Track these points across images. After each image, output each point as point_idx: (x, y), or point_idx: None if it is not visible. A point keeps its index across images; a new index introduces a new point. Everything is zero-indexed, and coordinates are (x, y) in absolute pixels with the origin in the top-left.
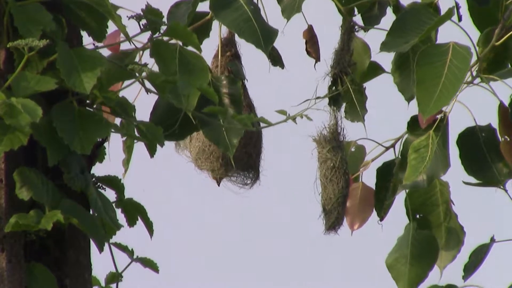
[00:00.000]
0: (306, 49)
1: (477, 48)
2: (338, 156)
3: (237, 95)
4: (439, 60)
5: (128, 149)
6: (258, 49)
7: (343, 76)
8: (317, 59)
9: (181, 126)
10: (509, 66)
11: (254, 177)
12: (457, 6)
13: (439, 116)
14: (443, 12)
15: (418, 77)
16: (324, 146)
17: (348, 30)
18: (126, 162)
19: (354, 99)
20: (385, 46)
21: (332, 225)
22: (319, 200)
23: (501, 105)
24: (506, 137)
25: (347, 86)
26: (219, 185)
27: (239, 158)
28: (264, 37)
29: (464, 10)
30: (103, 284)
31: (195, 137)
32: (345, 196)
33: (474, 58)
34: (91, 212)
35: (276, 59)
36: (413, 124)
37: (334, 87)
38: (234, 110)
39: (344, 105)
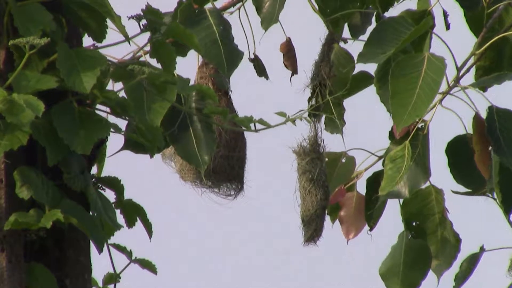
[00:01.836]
0: (284, 62)
1: (461, 56)
2: (317, 168)
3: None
4: (414, 71)
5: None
6: (221, 72)
7: (322, 88)
8: (294, 71)
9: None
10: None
11: (238, 188)
12: (445, 15)
13: (419, 125)
14: (436, 19)
15: (392, 88)
16: (303, 158)
17: (328, 41)
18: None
19: (333, 111)
20: (362, 58)
21: (311, 236)
22: (298, 212)
23: (476, 116)
24: (479, 149)
25: (327, 98)
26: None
27: (222, 169)
28: (228, 61)
29: (460, 17)
30: (100, 284)
31: None
32: (324, 208)
33: (453, 68)
34: (90, 212)
35: (260, 70)
36: (394, 134)
37: (313, 99)
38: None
39: (323, 117)
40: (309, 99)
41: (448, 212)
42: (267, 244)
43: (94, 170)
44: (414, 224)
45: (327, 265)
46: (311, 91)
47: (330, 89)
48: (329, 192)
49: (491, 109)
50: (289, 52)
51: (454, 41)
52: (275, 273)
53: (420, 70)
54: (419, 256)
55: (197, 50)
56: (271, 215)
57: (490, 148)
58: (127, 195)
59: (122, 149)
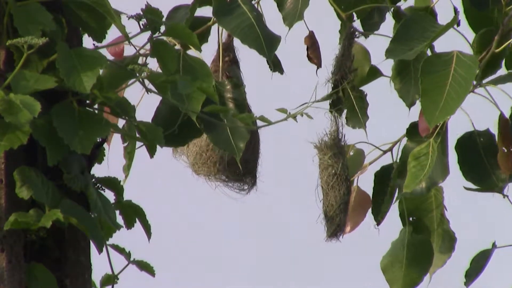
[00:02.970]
0: (308, 55)
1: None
2: (340, 163)
3: (240, 99)
4: (443, 69)
5: (129, 155)
6: (261, 55)
7: (344, 82)
8: (319, 65)
9: (183, 131)
10: (504, 69)
11: (251, 183)
12: (456, 11)
13: (439, 124)
14: (439, 16)
15: (422, 86)
16: (325, 153)
17: (348, 36)
18: (127, 168)
19: (355, 106)
20: (390, 53)
21: (334, 232)
22: (321, 207)
23: (501, 116)
24: (504, 148)
25: (348, 92)
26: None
27: (236, 164)
28: (267, 44)
29: (460, 13)
30: (98, 286)
31: (193, 142)
32: (347, 202)
33: None
34: (90, 212)
35: (275, 65)
36: (412, 131)
37: (335, 94)
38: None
39: (345, 111)
40: (331, 94)
41: (446, 209)
42: (268, 243)
43: (94, 170)
44: (411, 219)
45: (325, 259)
46: (333, 85)
47: (352, 84)
48: (350, 186)
49: None
50: (313, 45)
51: (450, 40)
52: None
53: (449, 68)
54: (421, 251)
55: (197, 49)
56: (282, 212)
57: None
58: (126, 195)
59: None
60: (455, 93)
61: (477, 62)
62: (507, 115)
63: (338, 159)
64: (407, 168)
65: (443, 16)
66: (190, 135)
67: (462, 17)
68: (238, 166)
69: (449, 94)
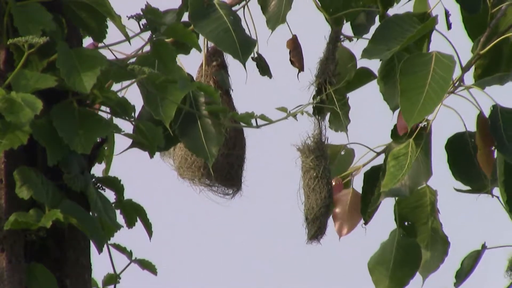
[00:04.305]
0: (290, 59)
1: (463, 58)
2: (321, 166)
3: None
4: (422, 70)
5: (108, 158)
6: (236, 59)
7: (327, 85)
8: (301, 69)
9: (165, 137)
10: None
11: (235, 188)
12: (447, 14)
13: (421, 125)
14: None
15: (401, 86)
16: (308, 156)
17: (333, 39)
18: (106, 172)
19: (338, 109)
20: (366, 53)
21: (315, 234)
22: (302, 210)
23: (480, 115)
24: (482, 148)
25: (332, 95)
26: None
27: (221, 168)
28: (242, 48)
29: (457, 18)
30: (100, 285)
31: (178, 146)
32: (328, 206)
33: (457, 67)
34: (91, 212)
35: (264, 69)
36: (396, 132)
37: (318, 97)
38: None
39: (328, 114)
40: (314, 97)
41: (439, 212)
42: (266, 243)
43: (94, 170)
44: (406, 223)
45: (320, 261)
46: (316, 88)
47: (335, 87)
48: (332, 190)
49: (495, 108)
50: (295, 49)
51: (452, 40)
52: (276, 272)
53: (429, 68)
54: (409, 254)
55: (197, 49)
56: (272, 214)
57: (493, 147)
58: (127, 195)
59: (130, 147)
60: (434, 93)
61: (455, 62)
62: (487, 115)
63: (320, 162)
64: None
65: (441, 21)
66: (171, 141)
67: (459, 22)
68: (223, 171)
69: (428, 94)
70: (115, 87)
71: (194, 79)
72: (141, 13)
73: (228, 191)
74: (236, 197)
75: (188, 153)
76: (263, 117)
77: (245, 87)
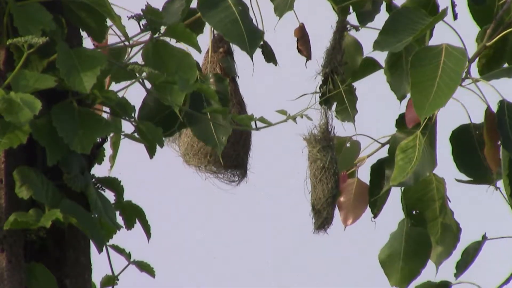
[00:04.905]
0: (297, 47)
1: (467, 48)
2: (328, 156)
3: (224, 93)
4: (432, 63)
5: (115, 145)
6: (243, 51)
7: (334, 75)
8: (308, 57)
9: (169, 123)
10: (506, 63)
11: (241, 175)
12: (453, 4)
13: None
14: (441, 9)
15: (412, 79)
16: (314, 146)
17: (340, 29)
18: (113, 158)
19: (345, 99)
20: (378, 45)
21: (322, 224)
22: (309, 199)
23: (488, 110)
24: (490, 143)
25: (338, 85)
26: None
27: (227, 155)
28: (250, 39)
29: (464, 7)
30: (98, 286)
31: (184, 132)
32: (335, 196)
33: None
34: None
35: (269, 56)
36: (401, 122)
37: (324, 86)
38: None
39: (335, 104)
40: (321, 87)
41: (449, 201)
42: (267, 242)
43: (94, 170)
44: (414, 212)
45: (326, 251)
46: (323, 78)
47: (342, 77)
48: (339, 180)
49: (502, 103)
50: (303, 38)
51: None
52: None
53: (439, 61)
54: (419, 244)
55: (196, 50)
56: (275, 205)
57: (499, 142)
58: (127, 195)
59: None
60: (445, 86)
61: (466, 55)
62: (495, 110)
63: (327, 153)
64: (395, 160)
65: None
66: (177, 127)
67: (465, 12)
68: (229, 158)
69: (439, 86)
70: (115, 87)
71: (200, 65)
72: (141, 13)
73: (234, 178)
74: (242, 184)
75: (195, 140)
76: (262, 119)
77: (251, 74)
